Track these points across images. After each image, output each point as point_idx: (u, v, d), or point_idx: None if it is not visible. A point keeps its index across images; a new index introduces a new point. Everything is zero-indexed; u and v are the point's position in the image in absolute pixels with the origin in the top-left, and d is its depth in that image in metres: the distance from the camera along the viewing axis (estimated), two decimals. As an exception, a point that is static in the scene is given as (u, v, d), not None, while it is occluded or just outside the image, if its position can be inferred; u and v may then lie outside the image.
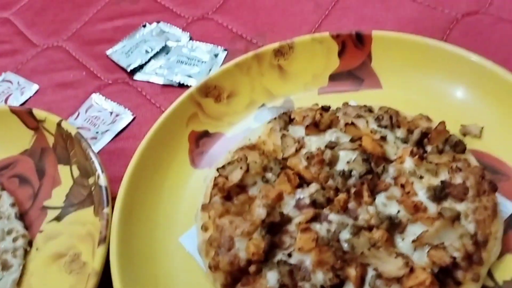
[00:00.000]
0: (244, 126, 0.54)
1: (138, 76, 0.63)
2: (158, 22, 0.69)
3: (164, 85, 0.61)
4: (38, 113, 0.54)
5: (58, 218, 0.50)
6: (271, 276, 0.38)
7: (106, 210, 0.44)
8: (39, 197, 0.52)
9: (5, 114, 0.56)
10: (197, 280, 0.43)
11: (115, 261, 0.41)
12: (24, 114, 0.55)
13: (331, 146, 0.44)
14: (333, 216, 0.40)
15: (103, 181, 0.46)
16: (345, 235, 0.39)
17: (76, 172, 0.52)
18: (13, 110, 0.56)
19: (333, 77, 0.55)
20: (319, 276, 0.37)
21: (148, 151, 0.49)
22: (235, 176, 0.43)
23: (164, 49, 0.65)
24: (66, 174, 0.53)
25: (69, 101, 0.62)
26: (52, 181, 0.53)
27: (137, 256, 0.43)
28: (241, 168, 0.43)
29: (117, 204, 0.45)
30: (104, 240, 0.42)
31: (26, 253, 0.48)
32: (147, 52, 0.64)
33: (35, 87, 0.65)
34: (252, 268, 0.39)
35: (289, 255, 0.39)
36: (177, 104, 0.52)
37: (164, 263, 0.44)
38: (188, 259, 0.44)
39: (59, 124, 0.52)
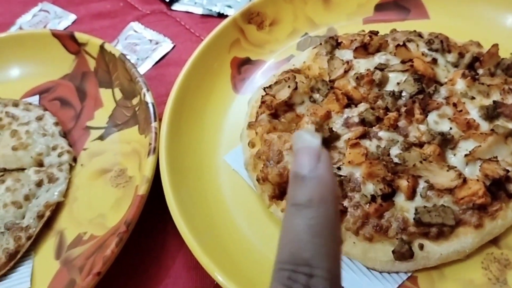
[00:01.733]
0: (286, 54, 0.53)
1: (176, 7, 0.62)
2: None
3: (203, 15, 0.61)
4: (80, 36, 0.54)
5: (101, 138, 0.50)
6: (321, 187, 0.38)
7: (154, 124, 0.44)
8: (81, 118, 0.52)
9: (47, 37, 0.56)
10: (243, 193, 0.43)
11: (165, 169, 0.41)
12: (66, 38, 0.55)
13: (381, 68, 0.44)
14: (383, 133, 0.40)
15: (149, 98, 0.46)
16: (395, 150, 0.39)
17: (118, 95, 0.52)
18: (55, 34, 0.55)
19: (379, 7, 0.54)
20: (370, 187, 0.37)
21: (191, 74, 0.49)
22: (283, 93, 0.43)
23: (202, -19, 0.64)
24: (108, 97, 0.53)
25: (107, 30, 0.62)
26: (94, 103, 0.53)
27: (184, 169, 0.43)
28: (289, 86, 0.43)
29: (164, 120, 0.45)
30: (154, 151, 0.42)
31: (71, 168, 0.48)
32: (185, -17, 0.63)
33: (73, 16, 0.65)
34: (301, 180, 0.39)
35: (338, 168, 0.39)
36: (220, 29, 0.52)
37: (210, 177, 0.44)
38: (233, 175, 0.44)
39: (102, 47, 0.52)
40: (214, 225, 0.40)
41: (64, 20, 0.64)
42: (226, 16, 0.59)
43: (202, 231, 0.38)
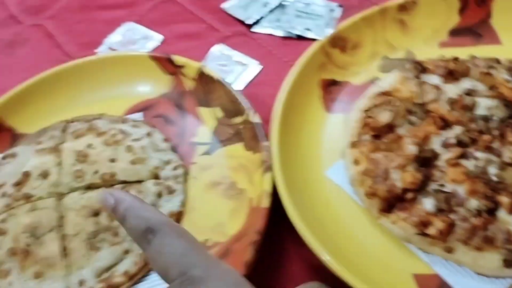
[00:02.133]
0: (369, 76, 0.58)
1: (256, 29, 0.67)
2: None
3: (284, 37, 0.66)
4: (177, 59, 0.59)
5: (208, 152, 0.55)
6: (428, 202, 0.44)
7: (266, 143, 0.49)
8: (186, 135, 0.57)
9: (145, 60, 0.61)
10: (348, 206, 0.48)
11: (282, 184, 0.46)
12: (164, 61, 0.60)
13: (469, 93, 0.49)
14: (479, 154, 0.45)
15: (256, 119, 0.51)
16: (492, 170, 0.44)
17: (219, 113, 0.57)
18: (153, 57, 0.60)
19: (453, 32, 0.59)
20: (473, 202, 0.43)
21: (288, 95, 0.54)
22: (384, 116, 0.49)
23: (280, 5, 0.69)
24: (208, 115, 0.58)
25: (194, 50, 0.67)
26: (195, 121, 0.58)
27: (293, 183, 0.48)
28: (390, 110, 0.49)
29: (273, 139, 0.50)
30: (270, 168, 0.47)
31: (185, 180, 0.53)
32: (264, 5, 0.68)
33: (160, 37, 0.70)
34: (409, 195, 0.44)
35: (442, 185, 0.44)
36: (309, 53, 0.57)
37: (315, 192, 0.50)
38: (336, 189, 0.50)
39: (200, 69, 0.57)
40: (330, 232, 0.46)
41: (150, 40, 0.69)
42: (305, 38, 0.64)
43: (323, 238, 0.44)
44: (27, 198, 0.51)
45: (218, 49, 0.66)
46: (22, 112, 0.60)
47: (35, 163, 0.53)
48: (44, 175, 0.52)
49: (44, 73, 0.62)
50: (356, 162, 0.49)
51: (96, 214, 0.49)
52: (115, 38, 0.71)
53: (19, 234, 0.48)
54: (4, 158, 0.56)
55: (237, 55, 0.65)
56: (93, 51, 0.70)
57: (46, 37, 0.75)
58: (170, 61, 0.60)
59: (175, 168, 0.54)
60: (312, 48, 0.58)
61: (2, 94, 0.65)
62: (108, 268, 0.47)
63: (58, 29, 0.76)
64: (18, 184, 0.52)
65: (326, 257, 0.42)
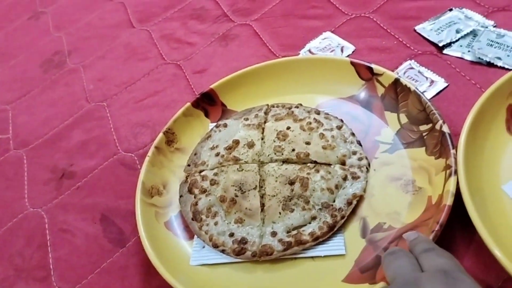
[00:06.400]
0: (556, 108, 0.61)
1: (447, 51, 0.72)
2: (461, 8, 0.78)
3: (473, 62, 0.70)
4: (377, 68, 0.66)
5: (389, 151, 0.61)
6: None
7: (453, 151, 0.54)
8: (370, 133, 0.64)
9: (345, 64, 0.69)
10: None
11: (465, 187, 0.51)
12: (362, 67, 0.68)
13: None
14: None
15: (446, 129, 0.57)
16: None
17: (404, 119, 0.63)
18: (353, 63, 0.69)
19: None
20: None
21: (477, 115, 0.58)
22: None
23: (472, 32, 0.73)
24: (393, 119, 0.64)
25: (385, 63, 0.73)
26: (380, 123, 0.65)
27: (475, 190, 0.53)
28: None
29: (460, 149, 0.54)
30: (455, 173, 0.52)
31: (367, 171, 0.60)
32: (457, 32, 0.73)
33: (352, 47, 0.78)
34: None
35: None
36: (503, 80, 0.61)
37: (492, 201, 0.53)
38: (509, 203, 0.53)
39: (397, 79, 0.64)
40: (501, 236, 0.49)
41: (346, 49, 0.78)
42: (496, 66, 0.68)
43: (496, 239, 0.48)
44: (236, 160, 0.61)
45: (409, 64, 0.72)
46: (234, 93, 0.72)
47: (243, 134, 0.64)
48: (250, 145, 0.62)
49: (255, 65, 0.73)
50: (537, 179, 0.52)
51: (292, 183, 0.57)
52: (315, 43, 0.80)
53: (228, 186, 0.58)
54: (217, 126, 0.68)
55: (426, 71, 0.70)
56: (295, 52, 0.81)
57: (253, 35, 0.88)
58: (369, 68, 0.67)
59: (360, 159, 0.61)
60: (508, 74, 0.61)
61: (215, 75, 0.79)
62: (297, 227, 0.55)
63: (264, 30, 0.88)
64: (229, 148, 0.63)
65: (497, 253, 0.45)
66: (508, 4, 0.77)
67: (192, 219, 0.58)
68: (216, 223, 0.57)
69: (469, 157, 0.55)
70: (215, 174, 0.60)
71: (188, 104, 0.70)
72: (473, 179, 0.54)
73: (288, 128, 0.63)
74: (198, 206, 0.58)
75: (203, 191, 0.59)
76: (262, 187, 0.58)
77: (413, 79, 0.70)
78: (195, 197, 0.59)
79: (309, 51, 0.80)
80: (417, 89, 0.62)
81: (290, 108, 0.67)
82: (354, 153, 0.61)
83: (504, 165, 0.57)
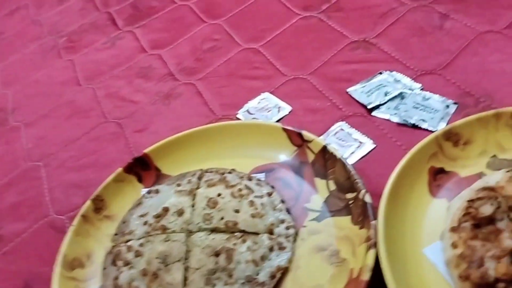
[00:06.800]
0: (476, 171, 0.63)
1: (376, 113, 0.75)
2: (391, 71, 0.82)
3: (399, 124, 0.73)
4: (307, 134, 0.68)
5: (317, 219, 0.62)
6: (517, 296, 0.47)
7: (374, 222, 0.55)
8: (300, 200, 0.65)
9: (277, 130, 0.71)
10: (439, 284, 0.53)
11: (385, 260, 0.52)
12: (293, 133, 0.69)
13: None
14: None
15: (368, 199, 0.58)
16: None
17: (332, 186, 0.64)
18: (285, 129, 0.70)
19: None
20: None
21: (398, 178, 0.60)
22: (487, 209, 0.53)
23: (400, 95, 0.76)
24: (322, 186, 0.65)
25: (318, 123, 0.76)
26: (310, 189, 0.66)
27: (395, 258, 0.54)
28: (492, 204, 0.53)
29: (380, 218, 0.56)
30: (375, 245, 0.53)
31: (294, 240, 0.60)
32: (385, 94, 0.76)
33: (289, 108, 0.80)
34: (500, 285, 0.48)
35: (528, 286, 0.48)
36: (424, 142, 0.63)
37: (412, 267, 0.54)
38: (431, 267, 0.54)
39: (325, 146, 0.66)
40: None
41: (282, 110, 0.80)
42: (420, 128, 0.71)
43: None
44: (164, 229, 0.61)
45: (339, 126, 0.74)
46: (169, 157, 0.73)
47: (173, 201, 0.64)
48: (180, 212, 0.62)
49: (192, 129, 0.74)
50: (454, 245, 0.53)
51: (217, 254, 0.57)
52: (253, 103, 0.82)
53: (152, 258, 0.58)
54: (149, 192, 0.68)
55: (355, 133, 0.72)
56: (234, 112, 0.82)
57: (196, 94, 0.89)
58: (299, 135, 0.69)
59: (287, 228, 0.61)
60: (428, 137, 0.64)
61: (156, 134, 0.79)
62: (218, 305, 0.55)
63: (206, 89, 0.90)
64: (158, 216, 0.62)
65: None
66: (435, 68, 0.80)
67: (112, 295, 0.57)
68: (132, 300, 0.56)
69: (390, 223, 0.56)
70: (141, 245, 0.60)
71: (120, 169, 0.70)
72: (394, 247, 0.55)
73: (219, 195, 0.64)
74: (118, 280, 0.57)
75: (127, 263, 0.58)
76: (187, 259, 0.57)
77: (343, 140, 0.72)
78: (117, 270, 0.58)
79: (247, 111, 0.81)
80: (343, 157, 0.63)
81: (223, 174, 0.68)
82: (282, 221, 0.62)
83: (425, 228, 0.59)
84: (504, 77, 0.75)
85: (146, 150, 0.72)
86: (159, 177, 0.72)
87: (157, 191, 0.67)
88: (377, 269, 0.52)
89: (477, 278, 0.49)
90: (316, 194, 0.65)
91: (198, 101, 0.88)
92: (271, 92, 0.84)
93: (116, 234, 0.64)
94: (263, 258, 0.57)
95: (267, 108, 0.81)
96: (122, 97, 0.95)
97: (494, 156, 0.64)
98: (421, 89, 0.77)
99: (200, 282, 0.55)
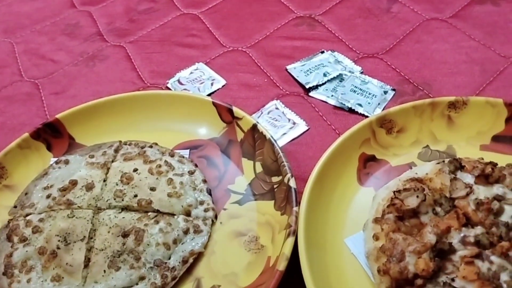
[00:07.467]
0: (407, 160, 0.61)
1: (313, 94, 0.71)
2: (333, 51, 0.78)
3: (336, 107, 0.69)
4: (237, 111, 0.63)
5: (239, 202, 0.58)
6: (435, 293, 0.45)
7: (296, 208, 0.51)
8: (224, 181, 0.60)
9: (207, 104, 0.65)
10: (358, 276, 0.50)
11: (303, 249, 0.49)
12: (224, 109, 0.64)
13: (498, 198, 0.51)
14: (494, 258, 0.46)
15: (292, 183, 0.54)
16: (504, 276, 0.45)
17: (259, 168, 0.60)
18: (215, 104, 0.65)
19: (496, 138, 0.61)
20: (481, 304, 0.43)
21: (326, 163, 0.57)
22: (412, 201, 0.51)
23: (339, 76, 0.73)
24: (248, 167, 0.61)
25: (252, 100, 0.71)
26: (236, 170, 0.61)
27: (313, 247, 0.51)
28: (418, 196, 0.51)
29: (302, 205, 0.52)
30: (294, 233, 0.50)
31: (212, 223, 0.56)
32: (324, 75, 0.73)
33: (223, 81, 0.75)
34: (418, 282, 0.46)
35: (452, 279, 0.46)
36: (357, 127, 0.60)
37: (332, 257, 0.52)
38: (351, 258, 0.52)
39: (254, 125, 0.61)
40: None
41: (216, 83, 0.75)
42: (356, 112, 0.68)
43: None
44: (69, 204, 0.55)
45: (274, 104, 0.70)
46: (84, 125, 0.66)
47: (83, 174, 0.58)
48: (89, 187, 0.57)
49: (115, 96, 0.68)
50: (376, 237, 0.50)
51: (125, 235, 0.52)
52: (185, 73, 0.77)
53: (52, 235, 0.52)
54: (57, 162, 0.61)
55: (290, 113, 0.68)
56: (164, 81, 0.77)
57: (125, 58, 0.83)
58: (230, 111, 0.64)
59: (206, 210, 0.57)
60: (361, 122, 0.61)
61: (75, 100, 0.72)
62: (120, 290, 0.50)
63: (137, 54, 0.83)
64: (64, 189, 0.57)
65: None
66: (377, 51, 0.77)
67: (3, 274, 0.51)
68: (29, 280, 0.50)
69: (313, 210, 0.53)
70: (41, 220, 0.54)
71: (26, 134, 0.63)
72: (315, 235, 0.52)
73: (135, 170, 0.58)
74: (12, 258, 0.51)
75: (23, 239, 0.52)
76: (91, 238, 0.52)
77: (276, 120, 0.68)
78: (12, 247, 0.52)
79: (178, 81, 0.76)
80: (272, 137, 0.59)
81: (143, 148, 0.63)
82: (202, 203, 0.57)
83: (350, 217, 0.56)
84: (445, 66, 0.73)
85: (59, 115, 0.65)
86: (72, 146, 0.65)
87: (66, 162, 0.61)
88: (297, 258, 0.49)
89: (396, 273, 0.46)
90: (242, 175, 0.61)
91: (126, 65, 0.81)
92: (206, 63, 0.79)
93: (15, 207, 0.58)
94: (176, 241, 0.53)
95: (200, 79, 0.75)
96: (42, 54, 0.87)
97: (427, 146, 0.62)
98: (361, 72, 0.74)
99: (104, 264, 0.50)
